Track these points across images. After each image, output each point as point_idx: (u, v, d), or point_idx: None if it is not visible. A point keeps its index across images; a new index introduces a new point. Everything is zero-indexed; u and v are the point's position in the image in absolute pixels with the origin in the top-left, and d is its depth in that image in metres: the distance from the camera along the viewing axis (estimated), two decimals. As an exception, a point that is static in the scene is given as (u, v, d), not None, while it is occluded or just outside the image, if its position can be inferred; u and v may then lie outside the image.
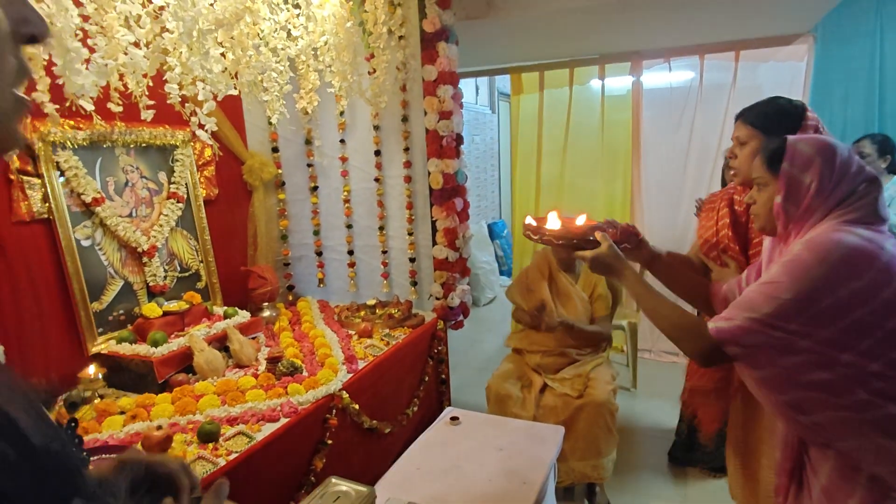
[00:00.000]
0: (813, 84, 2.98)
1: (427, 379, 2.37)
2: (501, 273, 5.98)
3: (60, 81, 1.25)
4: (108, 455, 1.39)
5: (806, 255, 0.97)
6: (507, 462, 1.73)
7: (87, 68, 1.31)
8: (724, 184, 2.55)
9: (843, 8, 2.79)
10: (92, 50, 1.37)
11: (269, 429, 1.55)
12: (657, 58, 3.52)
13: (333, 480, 1.25)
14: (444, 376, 2.54)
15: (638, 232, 1.41)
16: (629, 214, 3.76)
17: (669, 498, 2.36)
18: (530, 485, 1.62)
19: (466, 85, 5.81)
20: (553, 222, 1.39)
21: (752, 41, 3.19)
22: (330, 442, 1.72)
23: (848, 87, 2.89)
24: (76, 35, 1.27)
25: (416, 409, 2.25)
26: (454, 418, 2.01)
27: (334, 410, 1.75)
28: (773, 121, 1.39)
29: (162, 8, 1.40)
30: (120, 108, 1.52)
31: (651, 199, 3.63)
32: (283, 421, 1.59)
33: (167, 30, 1.45)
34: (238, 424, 1.56)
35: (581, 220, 1.41)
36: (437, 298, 2.50)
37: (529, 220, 1.43)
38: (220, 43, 1.58)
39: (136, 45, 1.42)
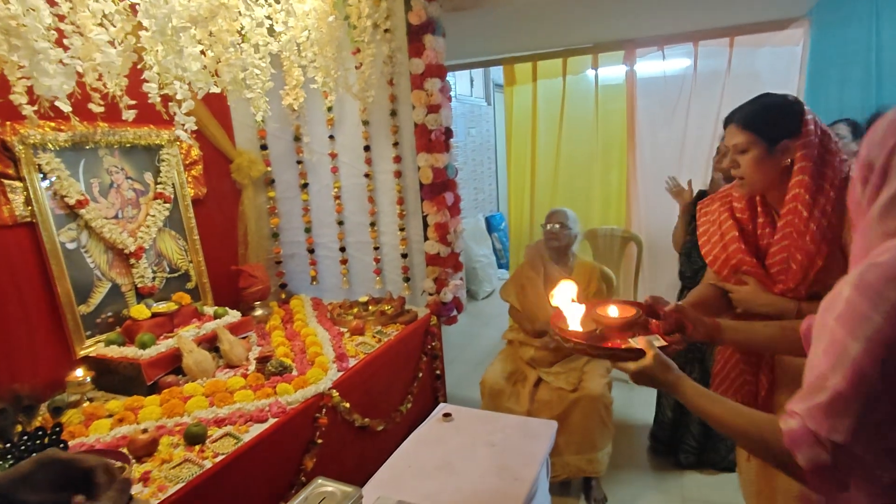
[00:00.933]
0: (809, 68, 2.94)
1: (421, 375, 2.36)
2: (500, 266, 5.96)
3: (31, 83, 1.22)
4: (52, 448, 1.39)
5: None
6: (499, 458, 1.72)
7: (61, 66, 1.29)
8: (713, 182, 2.51)
9: (838, -10, 2.75)
10: (66, 49, 1.34)
11: (256, 429, 1.54)
12: (651, 46, 3.47)
13: (320, 481, 1.24)
14: (438, 372, 2.53)
15: (686, 315, 1.18)
16: (625, 204, 3.73)
17: (666, 490, 2.35)
18: (522, 480, 1.60)
19: (461, 77, 5.77)
20: (574, 319, 1.18)
21: (746, 26, 3.14)
22: (320, 441, 1.71)
23: (844, 71, 2.85)
24: (47, 35, 1.25)
25: (409, 405, 2.24)
26: (447, 415, 1.99)
27: (324, 409, 1.74)
28: (772, 124, 1.30)
29: (134, 6, 1.37)
30: (101, 109, 1.49)
31: (647, 189, 3.60)
32: (272, 421, 1.58)
33: (142, 27, 1.43)
34: (225, 426, 1.55)
35: (613, 311, 1.19)
36: (430, 294, 2.49)
37: (558, 319, 1.21)
38: (199, 40, 1.56)
39: (111, 43, 1.40)
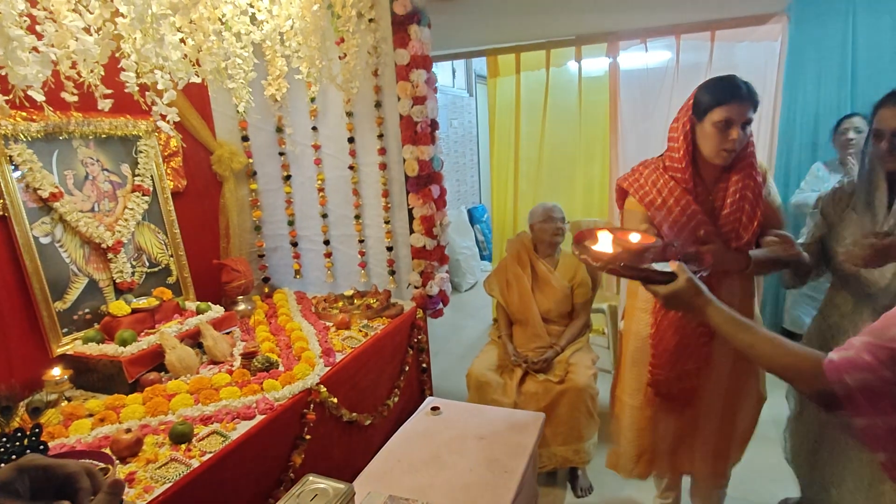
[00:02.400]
0: (787, 64, 2.99)
1: (407, 369, 2.35)
2: (482, 258, 5.97)
3: (4, 72, 1.17)
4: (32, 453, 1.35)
5: None
6: (487, 451, 1.73)
7: (36, 54, 1.24)
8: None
9: (815, -13, 2.80)
10: (40, 37, 1.29)
11: (244, 427, 1.51)
12: (633, 38, 3.49)
13: (311, 478, 1.22)
14: (424, 365, 2.52)
15: (705, 254, 1.21)
16: (607, 196, 3.77)
17: (651, 479, 2.38)
18: (511, 472, 1.62)
19: (443, 68, 5.73)
20: (606, 242, 1.18)
21: (726, 21, 3.18)
22: (308, 437, 1.69)
23: (821, 67, 2.91)
24: (20, 22, 1.19)
25: (396, 399, 2.23)
26: (434, 408, 2.00)
27: (312, 405, 1.72)
28: None
29: (112, -9, 1.32)
30: (75, 98, 1.44)
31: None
32: (259, 418, 1.56)
33: (120, 14, 1.37)
34: (212, 423, 1.52)
35: (635, 238, 1.20)
36: (416, 287, 2.48)
37: (581, 237, 1.21)
38: (179, 28, 1.51)
39: (87, 30, 1.34)
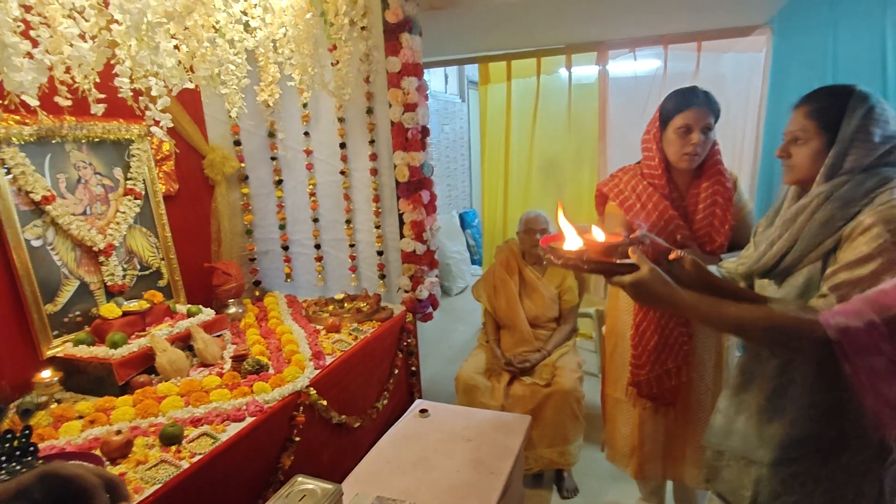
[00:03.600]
0: (771, 74, 3.06)
1: (397, 372, 2.38)
2: (473, 262, 6.01)
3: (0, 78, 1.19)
4: (58, 460, 1.36)
5: None
6: (475, 452, 1.76)
7: (32, 60, 1.25)
8: None
9: (798, 0, 2.87)
10: (35, 43, 1.31)
11: (234, 429, 1.53)
12: (622, 47, 3.55)
13: (300, 479, 1.25)
14: (414, 368, 2.55)
15: (672, 250, 1.20)
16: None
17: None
18: (497, 474, 1.65)
19: (435, 74, 5.78)
20: (572, 240, 1.18)
21: (712, 32, 3.25)
22: (298, 439, 1.71)
23: (804, 78, 2.97)
24: (15, 28, 1.21)
25: (385, 402, 2.26)
26: (423, 411, 2.02)
27: (301, 407, 1.74)
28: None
29: (107, 0, 1.34)
30: (69, 103, 1.45)
31: (617, 188, 3.68)
32: (249, 420, 1.57)
33: (115, 21, 1.39)
34: (202, 425, 1.53)
35: (599, 234, 1.21)
36: (406, 291, 2.50)
37: (549, 240, 1.20)
38: (173, 35, 1.53)
39: (82, 37, 1.36)
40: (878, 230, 1.02)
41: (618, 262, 1.09)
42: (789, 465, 1.17)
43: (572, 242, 1.16)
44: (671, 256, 1.15)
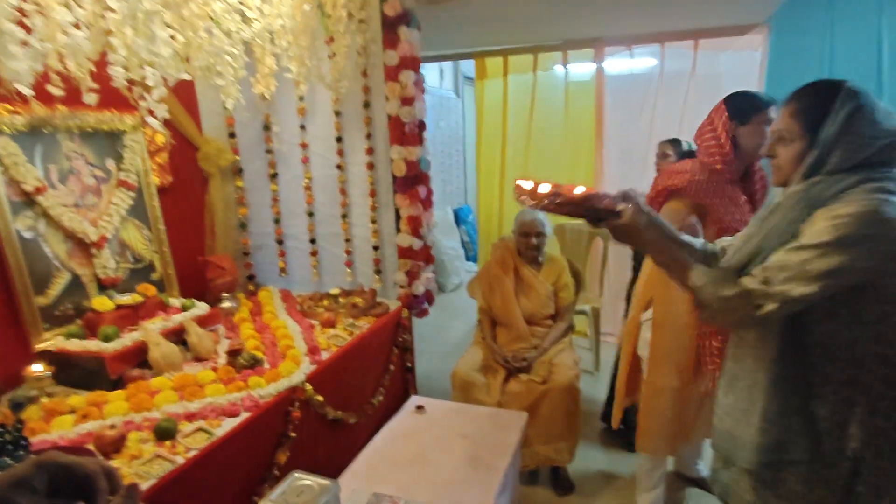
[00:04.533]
0: (768, 73, 3.07)
1: (392, 368, 2.37)
2: (467, 259, 6.00)
3: (-7, 66, 1.16)
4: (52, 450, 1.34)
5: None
6: (471, 449, 1.75)
7: (28, 48, 1.23)
8: None
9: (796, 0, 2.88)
10: (28, 31, 1.28)
11: (229, 424, 1.52)
12: (619, 45, 3.55)
13: (297, 475, 1.24)
14: (409, 364, 2.54)
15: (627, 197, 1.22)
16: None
17: (631, 477, 2.43)
18: (494, 470, 1.64)
19: (431, 69, 5.74)
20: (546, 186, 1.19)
21: (709, 30, 3.25)
22: (293, 435, 1.70)
23: (799, 79, 2.95)
24: (10, 15, 1.18)
25: (381, 398, 2.25)
26: (419, 407, 2.02)
27: (297, 403, 1.73)
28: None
29: (103, -13, 1.32)
30: (61, 92, 1.43)
31: (613, 185, 3.69)
32: (244, 415, 1.56)
33: (111, 9, 1.37)
34: (197, 420, 1.52)
35: (580, 189, 1.22)
36: (402, 287, 2.49)
37: (527, 184, 1.21)
38: (169, 25, 1.50)
39: (77, 26, 1.34)
40: (824, 223, 1.01)
41: (602, 206, 1.14)
42: (770, 469, 1.17)
43: (545, 187, 1.18)
44: (618, 208, 1.15)
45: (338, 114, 2.49)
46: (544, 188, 1.18)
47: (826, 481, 1.10)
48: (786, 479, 1.15)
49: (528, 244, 2.49)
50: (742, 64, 3.38)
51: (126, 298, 1.94)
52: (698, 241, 1.36)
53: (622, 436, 2.69)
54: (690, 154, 2.57)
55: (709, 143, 1.79)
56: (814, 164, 1.09)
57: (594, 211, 1.15)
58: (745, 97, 1.78)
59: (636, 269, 2.71)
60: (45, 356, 1.73)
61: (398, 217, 2.45)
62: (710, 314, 1.14)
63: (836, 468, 1.09)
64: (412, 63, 2.27)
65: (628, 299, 2.66)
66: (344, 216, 2.61)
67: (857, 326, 1.06)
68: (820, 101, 1.09)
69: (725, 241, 1.37)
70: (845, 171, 1.05)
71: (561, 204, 1.14)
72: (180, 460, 1.34)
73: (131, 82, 1.48)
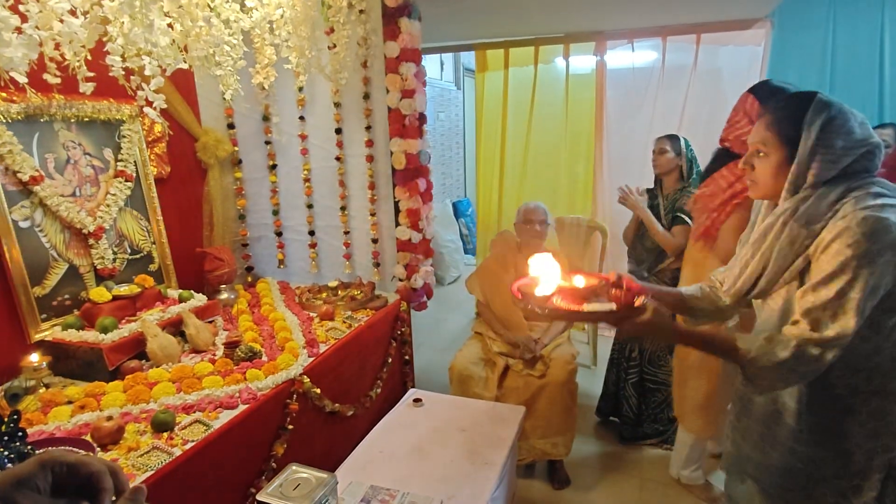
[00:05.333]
0: (769, 69, 3.06)
1: (390, 361, 2.37)
2: (466, 252, 5.99)
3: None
4: (55, 448, 1.34)
5: None
6: (469, 443, 1.75)
7: (22, 35, 1.21)
8: (656, 179, 2.69)
9: (799, -6, 2.86)
10: (24, 18, 1.26)
11: (226, 416, 1.51)
12: (621, 38, 3.53)
13: (294, 467, 1.24)
14: (407, 357, 2.54)
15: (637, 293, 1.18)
16: (591, 194, 3.81)
17: (627, 471, 2.45)
18: (491, 464, 1.65)
19: (431, 60, 5.71)
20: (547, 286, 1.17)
21: (712, 24, 3.23)
22: (291, 427, 1.70)
23: (801, 74, 2.98)
24: (4, 3, 1.16)
25: (379, 391, 2.25)
26: (417, 400, 2.02)
27: (295, 395, 1.73)
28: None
29: (100, -26, 1.30)
30: (58, 80, 1.41)
31: (612, 180, 3.68)
32: (242, 408, 1.56)
33: (107, -3, 1.35)
34: (194, 412, 1.52)
35: (580, 281, 1.20)
36: (400, 280, 2.48)
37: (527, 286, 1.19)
38: (167, 13, 1.48)
39: (73, 13, 1.32)
40: (838, 246, 0.99)
41: (626, 307, 1.11)
42: (795, 491, 1.16)
43: (547, 288, 1.17)
44: (636, 303, 1.12)
45: (337, 105, 2.47)
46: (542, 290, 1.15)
47: (859, 494, 1.10)
48: (815, 496, 1.14)
49: (532, 231, 2.49)
50: (743, 59, 3.36)
51: (124, 289, 1.93)
52: (693, 288, 1.34)
53: (617, 429, 2.70)
54: (689, 149, 2.57)
55: (746, 130, 1.75)
56: (796, 178, 1.07)
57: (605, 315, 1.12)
58: (770, 84, 1.76)
59: (633, 264, 2.72)
60: (43, 346, 1.72)
61: (397, 210, 2.44)
62: (769, 383, 1.07)
63: (868, 480, 1.09)
64: (413, 55, 2.25)
65: None
66: (343, 208, 2.60)
67: (875, 336, 1.05)
68: (794, 113, 1.08)
69: (718, 272, 1.36)
70: (828, 183, 1.04)
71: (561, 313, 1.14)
72: (178, 452, 1.34)
73: (129, 71, 1.46)
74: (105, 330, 1.73)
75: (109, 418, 1.41)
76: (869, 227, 0.97)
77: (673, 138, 2.60)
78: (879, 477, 1.08)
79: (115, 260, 2.01)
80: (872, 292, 0.98)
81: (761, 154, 1.13)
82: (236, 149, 2.58)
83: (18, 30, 1.22)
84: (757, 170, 1.14)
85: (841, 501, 1.12)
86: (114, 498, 0.49)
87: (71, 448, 1.35)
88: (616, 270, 1.25)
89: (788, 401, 1.14)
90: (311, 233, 2.70)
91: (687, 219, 2.35)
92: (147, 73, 1.45)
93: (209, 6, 1.65)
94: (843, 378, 1.08)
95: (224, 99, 2.40)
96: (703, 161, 2.54)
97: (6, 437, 1.29)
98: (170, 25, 1.51)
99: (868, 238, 0.96)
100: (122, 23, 1.36)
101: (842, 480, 1.11)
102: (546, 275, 1.19)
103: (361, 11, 2.21)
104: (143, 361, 1.77)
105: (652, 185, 2.74)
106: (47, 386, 1.64)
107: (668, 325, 1.15)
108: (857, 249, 0.97)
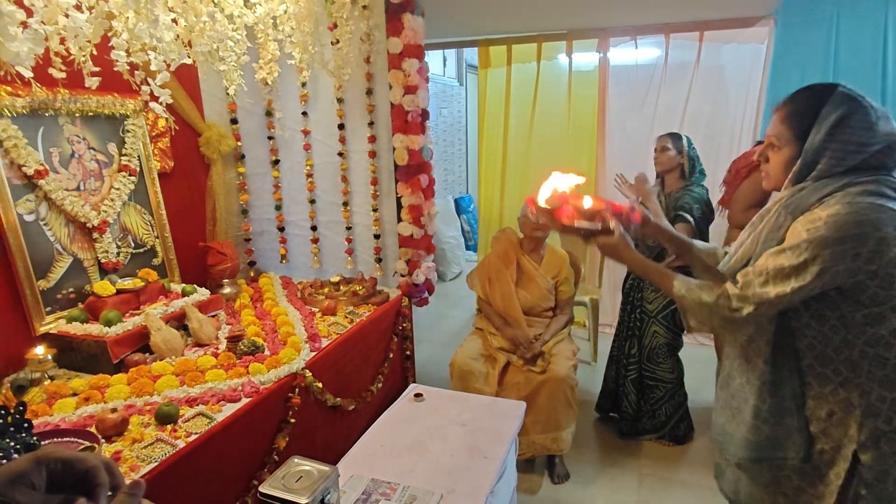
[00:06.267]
0: (772, 66, 3.05)
1: (392, 356, 2.38)
2: (468, 248, 6.00)
3: (-6, 48, 1.15)
4: (60, 439, 1.35)
5: None
6: (469, 437, 1.76)
7: (28, 30, 1.22)
8: (658, 176, 2.66)
9: (803, -8, 2.85)
10: (29, 12, 1.27)
11: (229, 409, 1.53)
12: (624, 35, 3.52)
13: (296, 460, 1.25)
14: (408, 353, 2.56)
15: (638, 218, 1.31)
16: (593, 191, 3.81)
17: (625, 466, 2.46)
18: (492, 459, 1.66)
19: (434, 56, 5.70)
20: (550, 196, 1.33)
21: (715, 22, 3.23)
22: (293, 421, 1.72)
23: (804, 72, 2.97)
24: (10, -4, 1.17)
25: (380, 385, 2.26)
26: (418, 395, 2.03)
27: (297, 389, 1.75)
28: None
29: (105, -30, 1.30)
30: (63, 75, 1.42)
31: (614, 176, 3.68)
32: (245, 401, 1.57)
33: (113, -8, 1.35)
34: (197, 405, 1.53)
35: (588, 201, 1.31)
36: (402, 275, 2.50)
37: (542, 200, 1.33)
38: (172, 8, 1.49)
39: (79, 8, 1.32)
40: (799, 227, 1.02)
41: (590, 228, 1.27)
42: (758, 465, 1.20)
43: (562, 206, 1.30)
44: (609, 226, 1.25)
45: (340, 101, 2.48)
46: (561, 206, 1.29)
47: (824, 480, 1.12)
48: (786, 476, 1.17)
49: (532, 226, 2.49)
50: (746, 56, 3.36)
51: (127, 283, 1.95)
52: (709, 245, 1.39)
53: (616, 425, 2.72)
54: (691, 147, 2.56)
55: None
56: (800, 170, 1.08)
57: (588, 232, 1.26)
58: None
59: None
60: (48, 339, 1.74)
61: (399, 206, 2.45)
62: (695, 322, 1.20)
63: (834, 467, 1.11)
64: (416, 51, 2.25)
65: (625, 290, 2.67)
66: (345, 204, 2.61)
67: (845, 329, 1.06)
68: (810, 105, 1.07)
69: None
70: (833, 176, 1.04)
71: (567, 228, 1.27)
72: (181, 444, 1.36)
73: (133, 66, 1.47)
74: (109, 323, 1.75)
75: (114, 410, 1.42)
76: (841, 213, 0.98)
77: (675, 136, 2.59)
78: (845, 466, 1.09)
79: (118, 254, 2.02)
80: (815, 274, 1.00)
81: (775, 147, 1.14)
82: (239, 144, 2.59)
83: (24, 24, 1.23)
84: (770, 162, 1.16)
85: (805, 486, 1.15)
86: (110, 493, 0.48)
87: (75, 439, 1.36)
88: (632, 202, 1.37)
89: (754, 379, 1.17)
90: (314, 228, 2.71)
91: (689, 217, 2.35)
92: (153, 67, 1.46)
93: (213, 2, 1.66)
94: (815, 367, 1.10)
95: (227, 94, 2.40)
96: (704, 159, 2.55)
97: (12, 429, 1.30)
98: (174, 21, 1.52)
99: (829, 226, 0.99)
100: (127, 18, 1.37)
101: (806, 465, 1.14)
102: (561, 186, 1.34)
103: (365, 7, 2.21)
104: (147, 355, 1.79)
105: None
106: (52, 378, 1.65)
107: (627, 251, 1.26)
108: (817, 232, 1.00)
